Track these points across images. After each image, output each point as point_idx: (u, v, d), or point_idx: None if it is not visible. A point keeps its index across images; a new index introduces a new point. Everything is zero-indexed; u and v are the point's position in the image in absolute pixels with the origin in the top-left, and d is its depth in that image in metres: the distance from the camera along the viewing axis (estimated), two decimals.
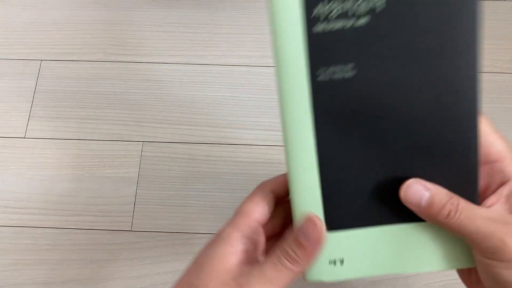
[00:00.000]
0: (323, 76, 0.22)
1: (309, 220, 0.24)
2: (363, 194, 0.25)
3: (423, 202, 0.23)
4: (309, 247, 0.23)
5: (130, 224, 0.48)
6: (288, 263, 0.23)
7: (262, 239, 0.25)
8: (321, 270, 0.25)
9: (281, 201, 0.26)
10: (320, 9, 0.22)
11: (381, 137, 0.24)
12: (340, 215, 0.25)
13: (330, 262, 0.25)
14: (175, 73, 0.54)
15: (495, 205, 0.24)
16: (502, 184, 0.25)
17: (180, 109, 0.53)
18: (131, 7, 0.58)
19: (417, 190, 0.23)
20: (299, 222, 0.24)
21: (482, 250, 0.23)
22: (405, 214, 0.24)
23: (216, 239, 0.24)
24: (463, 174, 0.24)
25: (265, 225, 0.26)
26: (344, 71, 0.22)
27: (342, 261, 0.25)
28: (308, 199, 0.24)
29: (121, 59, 0.55)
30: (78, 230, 0.48)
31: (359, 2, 0.21)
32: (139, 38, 0.56)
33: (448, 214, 0.23)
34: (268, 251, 0.25)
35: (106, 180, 0.50)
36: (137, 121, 0.52)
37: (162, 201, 0.49)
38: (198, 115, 0.52)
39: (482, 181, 0.26)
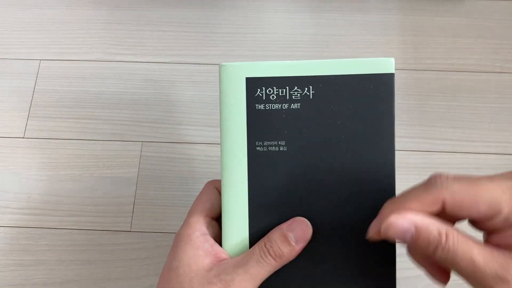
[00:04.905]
0: (260, 147, 0.26)
1: (303, 222, 0.25)
2: None
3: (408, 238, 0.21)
4: (296, 247, 0.24)
5: (130, 224, 0.48)
6: (272, 259, 0.24)
7: (216, 231, 0.27)
8: None
9: None
10: (262, 91, 0.26)
11: (306, 210, 0.25)
12: None
13: None
14: (175, 73, 0.54)
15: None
16: None
17: (180, 109, 0.52)
18: (130, 7, 0.57)
19: (401, 227, 0.21)
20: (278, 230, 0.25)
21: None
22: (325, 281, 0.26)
23: (180, 243, 0.26)
24: (381, 252, 0.26)
25: (218, 219, 0.28)
26: (277, 146, 0.26)
27: None
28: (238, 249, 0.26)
29: (120, 58, 0.55)
30: (77, 231, 0.48)
31: (294, 89, 0.25)
32: (139, 37, 0.56)
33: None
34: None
35: (105, 180, 0.49)
36: (137, 121, 0.52)
37: (161, 201, 0.49)
38: (198, 115, 0.52)
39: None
